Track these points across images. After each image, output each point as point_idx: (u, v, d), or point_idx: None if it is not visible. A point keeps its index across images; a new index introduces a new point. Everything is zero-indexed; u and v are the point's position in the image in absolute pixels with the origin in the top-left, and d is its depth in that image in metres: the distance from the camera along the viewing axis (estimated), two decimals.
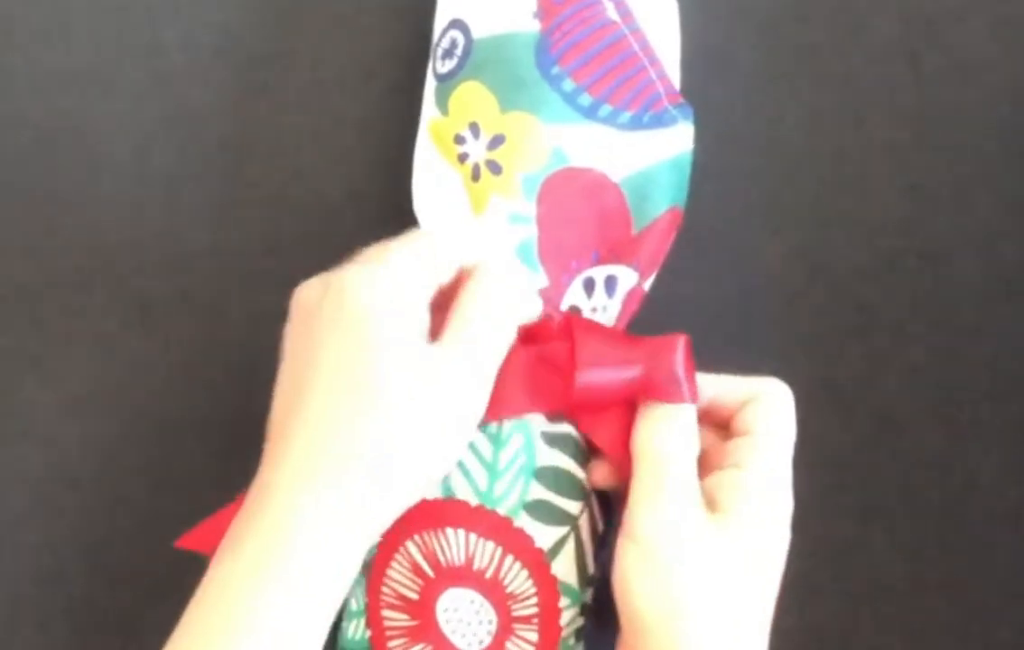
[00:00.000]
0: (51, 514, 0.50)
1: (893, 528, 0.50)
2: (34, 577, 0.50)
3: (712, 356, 0.43)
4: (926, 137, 0.50)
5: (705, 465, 0.42)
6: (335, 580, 0.37)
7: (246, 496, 0.38)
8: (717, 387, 0.43)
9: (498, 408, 0.41)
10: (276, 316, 0.42)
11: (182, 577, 0.38)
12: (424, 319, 0.40)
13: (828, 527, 0.50)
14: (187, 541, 0.43)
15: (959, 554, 0.50)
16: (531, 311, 0.43)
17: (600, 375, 0.41)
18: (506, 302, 0.42)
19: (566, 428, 0.43)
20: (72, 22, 0.51)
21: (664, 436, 0.41)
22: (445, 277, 0.42)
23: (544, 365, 0.42)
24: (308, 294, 0.40)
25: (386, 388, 0.38)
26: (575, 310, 0.43)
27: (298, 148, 0.51)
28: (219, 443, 0.50)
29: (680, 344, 0.41)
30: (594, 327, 0.43)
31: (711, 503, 0.41)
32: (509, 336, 0.41)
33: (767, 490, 0.41)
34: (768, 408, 0.42)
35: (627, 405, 0.42)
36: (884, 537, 0.50)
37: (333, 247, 0.44)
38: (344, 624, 0.44)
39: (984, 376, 0.51)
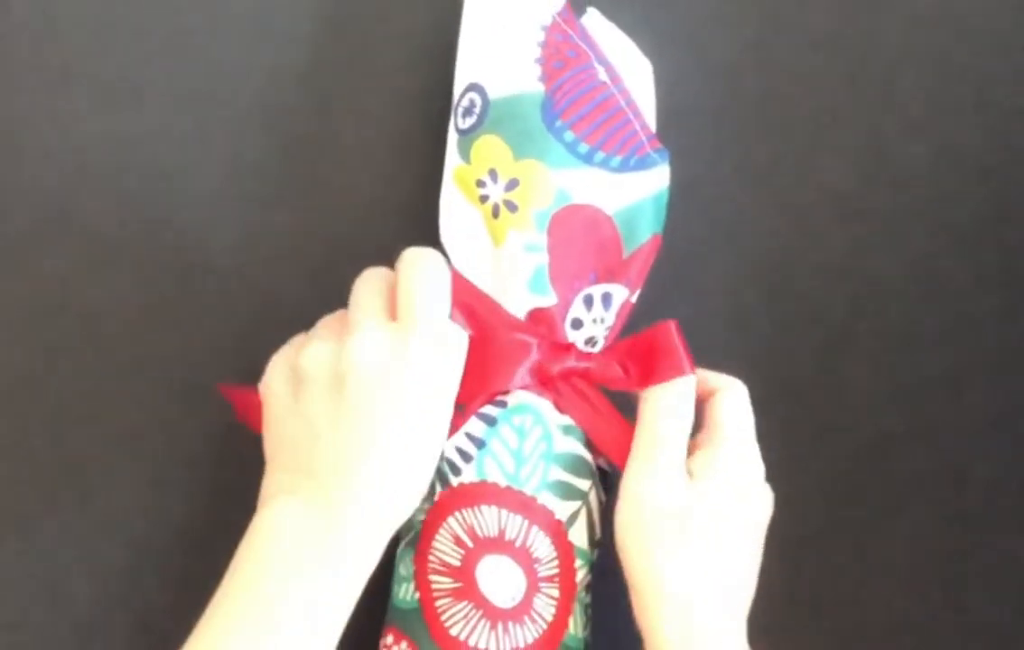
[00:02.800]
0: None
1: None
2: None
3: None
4: (872, 179, 0.60)
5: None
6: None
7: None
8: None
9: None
10: None
11: None
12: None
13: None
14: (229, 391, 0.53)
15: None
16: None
17: None
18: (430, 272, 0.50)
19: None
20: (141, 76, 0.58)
21: (663, 419, 0.50)
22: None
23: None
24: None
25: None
26: (577, 323, 0.52)
27: (335, 194, 0.58)
28: None
29: (673, 326, 0.51)
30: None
31: (690, 475, 0.50)
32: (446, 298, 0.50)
33: (736, 463, 0.51)
34: (729, 398, 0.52)
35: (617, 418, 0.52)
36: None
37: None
38: (395, 588, 0.52)
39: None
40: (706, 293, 0.60)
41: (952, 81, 0.61)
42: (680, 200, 0.54)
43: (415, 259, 0.50)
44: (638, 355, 0.52)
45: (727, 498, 0.50)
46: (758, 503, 0.52)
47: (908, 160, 0.61)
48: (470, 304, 0.51)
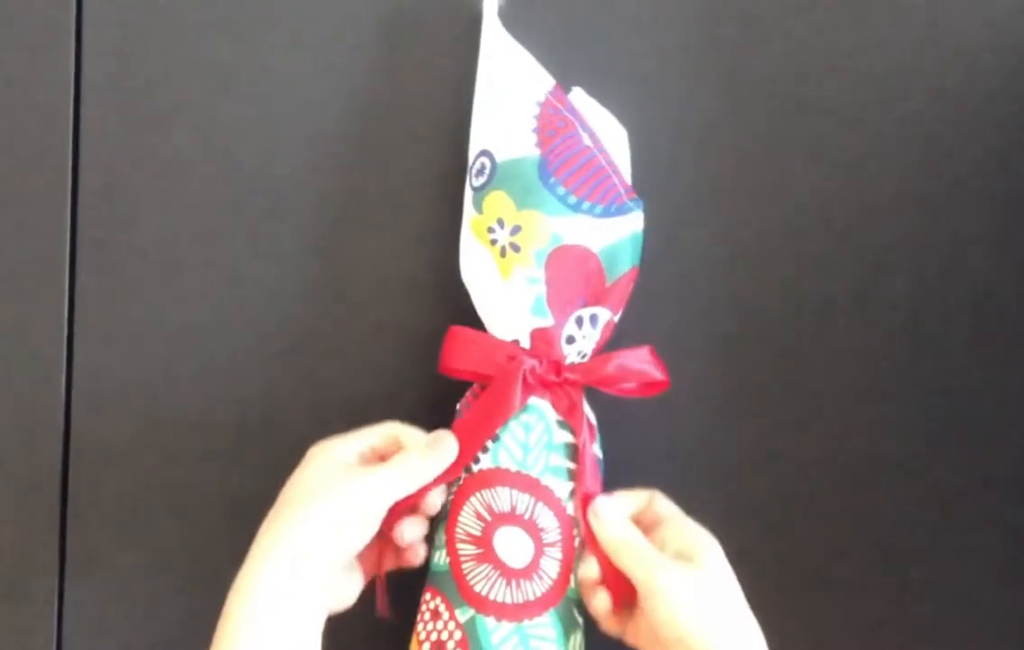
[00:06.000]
0: None
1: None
2: None
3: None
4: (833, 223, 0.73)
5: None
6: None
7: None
8: (628, 503, 0.65)
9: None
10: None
11: None
12: (347, 459, 0.61)
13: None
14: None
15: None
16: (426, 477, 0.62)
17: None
18: (414, 470, 0.61)
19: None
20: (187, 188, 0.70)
21: (616, 531, 0.62)
22: (376, 441, 0.63)
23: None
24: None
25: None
26: (571, 339, 0.64)
27: (375, 242, 0.70)
28: None
29: (646, 349, 0.65)
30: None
31: (682, 559, 0.61)
32: (406, 487, 0.60)
33: (711, 543, 0.62)
34: (665, 501, 0.64)
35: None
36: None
37: (401, 317, 0.68)
38: (432, 554, 0.64)
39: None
40: (679, 318, 0.72)
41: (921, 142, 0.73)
42: (651, 238, 0.66)
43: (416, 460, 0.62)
44: (620, 366, 0.65)
45: (723, 575, 0.61)
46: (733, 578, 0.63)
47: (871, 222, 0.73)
48: (475, 345, 0.65)
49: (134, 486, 0.70)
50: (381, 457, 0.63)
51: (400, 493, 0.60)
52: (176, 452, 0.70)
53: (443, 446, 0.62)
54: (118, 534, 0.70)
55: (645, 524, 0.64)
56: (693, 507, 0.63)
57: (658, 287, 0.70)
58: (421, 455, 0.62)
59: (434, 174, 0.70)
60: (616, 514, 0.63)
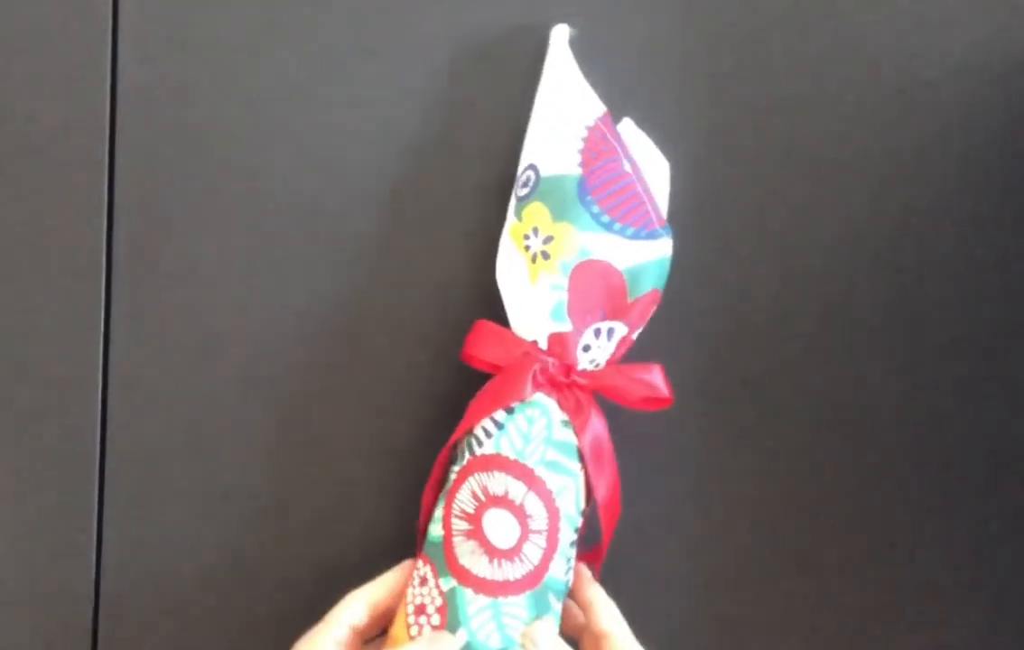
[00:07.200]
0: None
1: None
2: None
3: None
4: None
5: None
6: None
7: None
8: (570, 613, 0.70)
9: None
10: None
11: None
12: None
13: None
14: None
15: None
16: None
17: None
18: None
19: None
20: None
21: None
22: (354, 619, 0.67)
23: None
24: None
25: None
26: (587, 347, 0.68)
27: (418, 252, 0.75)
28: None
29: (657, 368, 0.68)
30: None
31: None
32: None
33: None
34: (610, 617, 0.68)
35: None
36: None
37: (445, 309, 0.73)
38: (431, 525, 0.69)
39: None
40: (694, 345, 0.76)
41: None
42: (679, 270, 0.70)
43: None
44: (627, 377, 0.68)
45: None
46: None
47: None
48: (496, 339, 0.70)
49: (167, 487, 0.75)
50: (362, 634, 0.68)
51: None
52: (211, 453, 0.75)
53: (443, 646, 0.66)
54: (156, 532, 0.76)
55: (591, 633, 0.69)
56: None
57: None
58: None
59: (483, 186, 0.75)
60: (550, 639, 0.66)
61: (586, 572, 0.70)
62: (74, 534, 0.73)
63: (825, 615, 0.77)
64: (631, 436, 0.71)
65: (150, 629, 0.75)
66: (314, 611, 0.67)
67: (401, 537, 0.74)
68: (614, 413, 0.69)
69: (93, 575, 0.74)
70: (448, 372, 0.74)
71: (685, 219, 0.72)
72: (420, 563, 0.68)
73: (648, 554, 0.77)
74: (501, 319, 0.70)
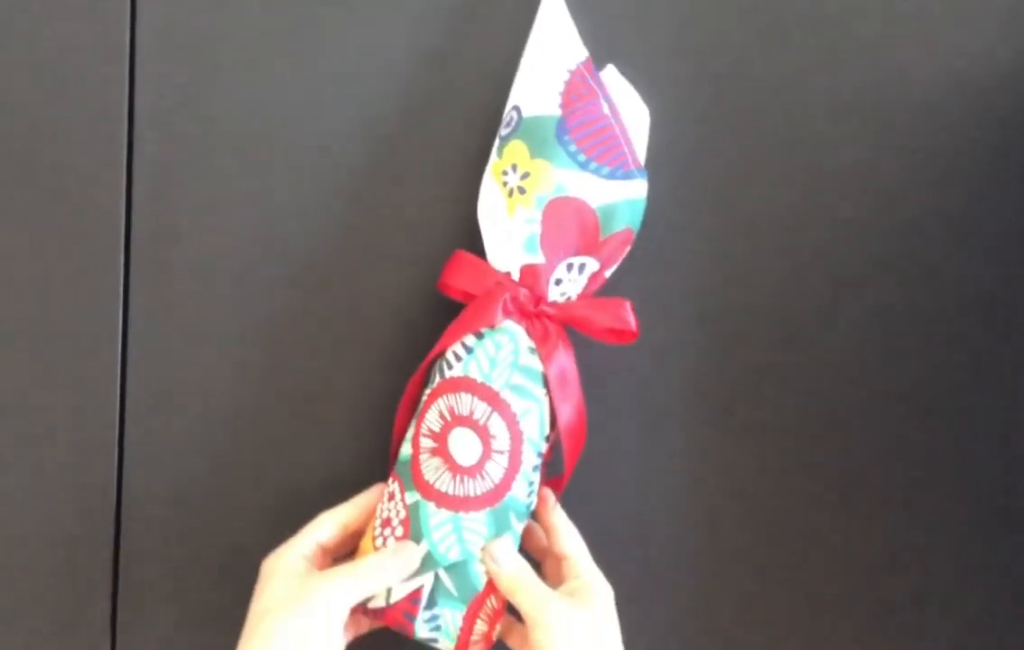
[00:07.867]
0: None
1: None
2: None
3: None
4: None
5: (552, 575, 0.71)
6: None
7: None
8: (534, 535, 0.73)
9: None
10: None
11: None
12: (299, 569, 0.67)
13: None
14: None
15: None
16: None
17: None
18: (375, 576, 0.67)
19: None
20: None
21: (509, 570, 0.68)
22: (323, 537, 0.69)
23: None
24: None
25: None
26: (558, 281, 0.70)
27: (410, 185, 0.77)
28: None
29: (628, 303, 0.70)
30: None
31: (572, 597, 0.68)
32: (365, 592, 0.67)
33: (604, 588, 0.69)
34: (571, 538, 0.71)
35: None
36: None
37: (430, 244, 0.75)
38: (402, 446, 0.71)
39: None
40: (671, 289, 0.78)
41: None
42: (652, 211, 0.72)
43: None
44: (594, 307, 0.70)
45: (605, 616, 0.68)
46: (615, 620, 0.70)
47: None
48: (472, 268, 0.72)
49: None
50: (331, 551, 0.70)
51: (359, 598, 0.67)
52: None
53: (406, 555, 0.68)
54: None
55: (553, 555, 0.71)
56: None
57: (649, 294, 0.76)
58: (382, 562, 0.68)
59: (472, 129, 0.76)
60: (509, 555, 0.68)
61: (550, 496, 0.72)
62: (100, 430, 0.77)
63: (826, 615, 0.78)
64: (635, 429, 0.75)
65: (168, 523, 0.78)
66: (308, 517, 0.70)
67: (380, 459, 0.77)
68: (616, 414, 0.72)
69: (116, 470, 0.77)
70: (429, 301, 0.77)
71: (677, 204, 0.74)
72: (390, 480, 0.71)
73: (648, 554, 0.79)
74: (483, 254, 0.73)
